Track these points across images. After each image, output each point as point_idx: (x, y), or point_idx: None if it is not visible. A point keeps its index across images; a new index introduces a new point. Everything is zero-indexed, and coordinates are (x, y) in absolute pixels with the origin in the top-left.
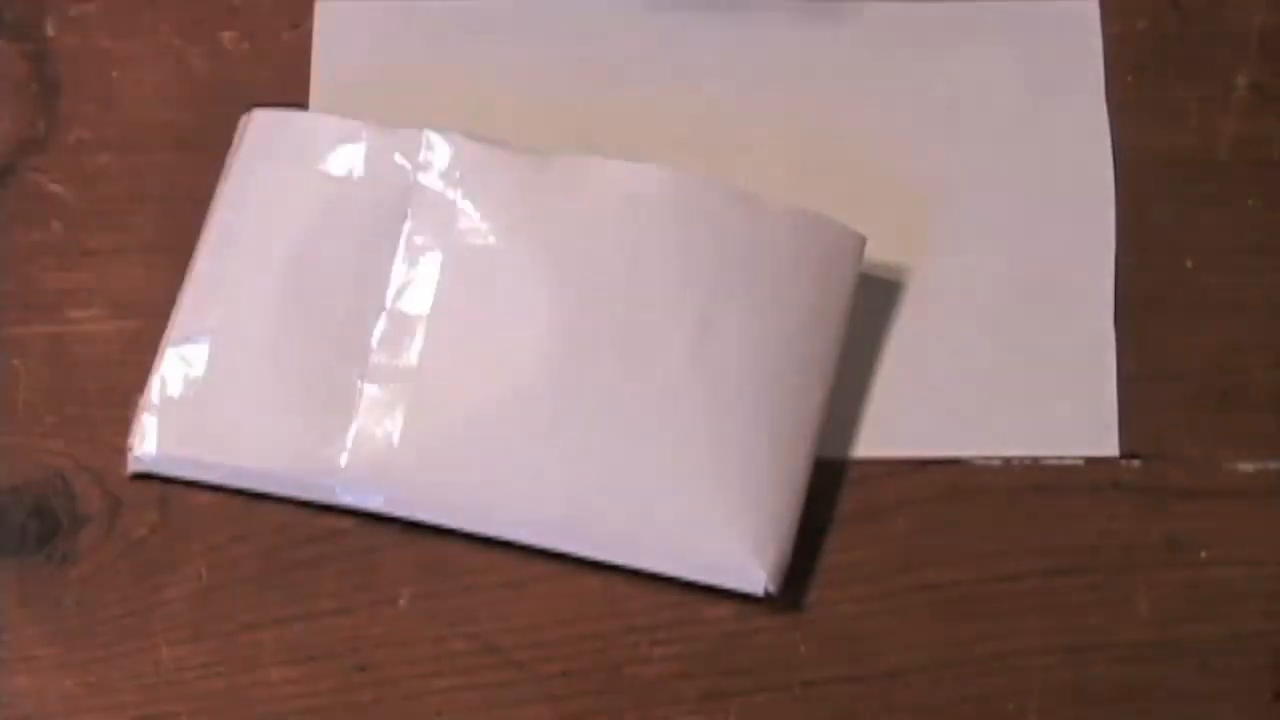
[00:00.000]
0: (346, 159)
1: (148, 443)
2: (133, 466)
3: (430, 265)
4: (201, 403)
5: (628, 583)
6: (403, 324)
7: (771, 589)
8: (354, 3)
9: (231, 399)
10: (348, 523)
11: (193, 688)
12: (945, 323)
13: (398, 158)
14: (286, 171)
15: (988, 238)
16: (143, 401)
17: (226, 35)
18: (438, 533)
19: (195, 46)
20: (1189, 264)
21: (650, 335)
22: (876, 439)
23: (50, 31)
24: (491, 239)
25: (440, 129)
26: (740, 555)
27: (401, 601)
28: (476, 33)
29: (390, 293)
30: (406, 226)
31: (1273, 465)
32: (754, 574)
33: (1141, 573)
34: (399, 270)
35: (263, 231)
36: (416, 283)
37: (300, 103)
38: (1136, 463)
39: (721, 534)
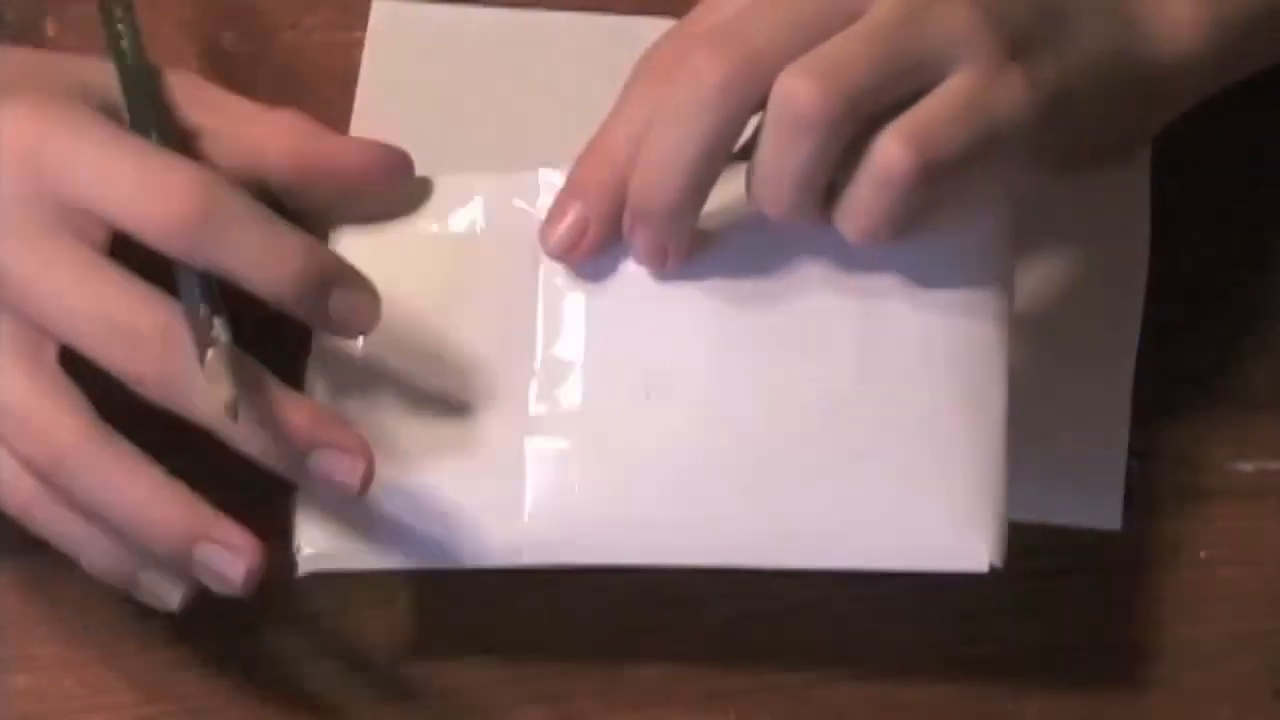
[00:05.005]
0: (467, 216)
1: (314, 545)
2: (303, 567)
3: (575, 306)
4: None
5: (626, 582)
6: (558, 371)
7: (997, 563)
8: (409, 4)
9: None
10: None
11: (192, 688)
12: None
13: (517, 202)
14: (404, 236)
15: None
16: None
17: (226, 35)
18: None
19: (195, 46)
20: (1189, 265)
21: (815, 327)
22: None
23: (50, 31)
24: (630, 266)
25: (553, 165)
26: (963, 534)
27: (399, 602)
28: (530, 42)
29: (539, 342)
30: (541, 271)
31: (1273, 465)
32: (978, 552)
33: (1141, 573)
34: (544, 318)
35: (390, 308)
36: (565, 326)
37: (300, 101)
38: (1136, 462)
39: (940, 516)
